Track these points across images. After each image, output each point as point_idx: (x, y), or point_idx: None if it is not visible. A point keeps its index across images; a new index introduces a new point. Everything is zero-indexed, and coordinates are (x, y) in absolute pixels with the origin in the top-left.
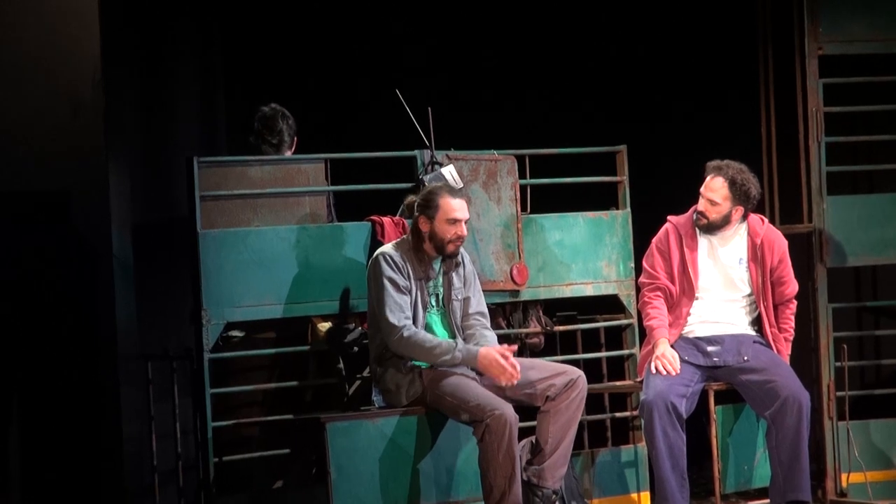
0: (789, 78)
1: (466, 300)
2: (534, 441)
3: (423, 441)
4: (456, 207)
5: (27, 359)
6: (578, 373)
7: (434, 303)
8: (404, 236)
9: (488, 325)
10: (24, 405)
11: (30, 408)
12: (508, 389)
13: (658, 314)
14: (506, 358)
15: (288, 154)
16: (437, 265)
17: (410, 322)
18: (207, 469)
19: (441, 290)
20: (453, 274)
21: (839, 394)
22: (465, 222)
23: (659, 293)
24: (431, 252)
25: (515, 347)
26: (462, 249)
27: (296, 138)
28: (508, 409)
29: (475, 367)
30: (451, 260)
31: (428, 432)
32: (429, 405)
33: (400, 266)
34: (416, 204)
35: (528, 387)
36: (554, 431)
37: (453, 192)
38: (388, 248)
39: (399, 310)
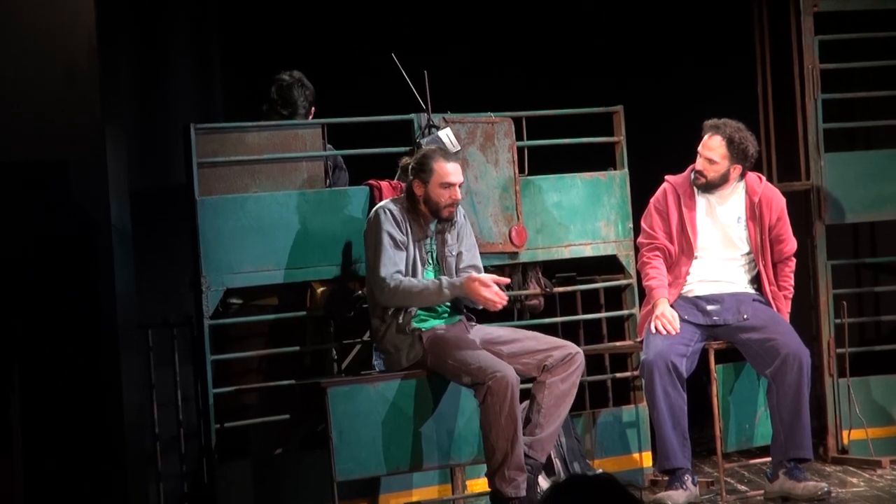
0: (785, 35)
1: (459, 255)
2: (528, 411)
3: (424, 404)
4: (450, 171)
5: (27, 330)
6: (577, 349)
7: (430, 260)
8: (400, 196)
9: None
10: (25, 375)
11: (30, 378)
12: (506, 357)
13: (657, 274)
14: (492, 284)
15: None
16: (432, 225)
17: (399, 275)
18: (209, 436)
19: (435, 247)
20: (447, 232)
21: (839, 351)
22: (460, 186)
23: (658, 253)
24: (427, 215)
25: (507, 280)
26: (459, 206)
27: (313, 108)
28: (510, 371)
29: (465, 297)
30: (441, 221)
31: (429, 395)
32: (429, 368)
33: (399, 221)
34: (409, 167)
35: (526, 356)
36: (548, 404)
37: (447, 155)
38: (387, 203)
39: (392, 265)
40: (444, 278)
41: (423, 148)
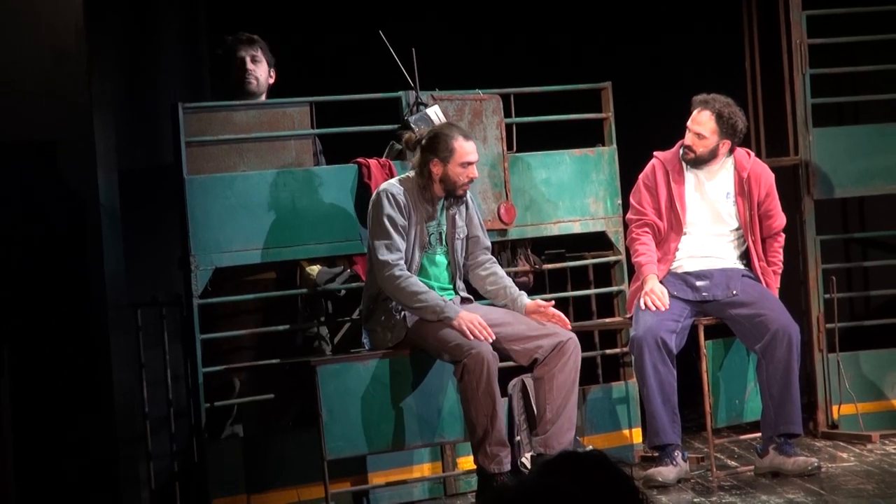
0: (773, 10)
1: (474, 239)
2: (535, 409)
3: (414, 383)
4: (469, 150)
5: (16, 310)
6: (569, 335)
7: (436, 242)
8: (409, 174)
9: (495, 260)
10: (14, 356)
11: (19, 358)
12: (494, 342)
13: (646, 250)
14: (482, 326)
15: (271, 77)
16: (439, 205)
17: (404, 263)
18: (199, 415)
19: (444, 228)
20: (455, 213)
21: (829, 326)
22: (475, 164)
23: (647, 229)
24: (439, 193)
25: (550, 304)
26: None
27: (273, 71)
28: (485, 347)
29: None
30: (454, 199)
31: (419, 374)
32: (414, 348)
33: (402, 205)
34: (423, 145)
35: (515, 342)
36: (551, 399)
37: (465, 133)
38: (393, 184)
39: (395, 248)
40: (451, 305)
41: (436, 126)
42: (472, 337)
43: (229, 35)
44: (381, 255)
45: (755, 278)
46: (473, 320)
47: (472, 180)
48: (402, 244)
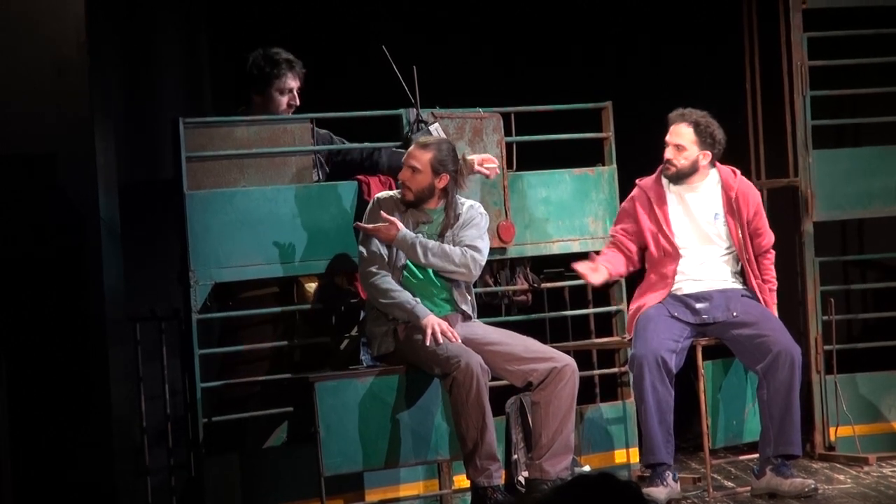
0: (774, 32)
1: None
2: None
3: (412, 399)
4: (408, 153)
5: (15, 323)
6: (566, 361)
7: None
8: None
9: None
10: (13, 369)
11: (18, 371)
12: (490, 360)
13: (605, 252)
14: (451, 332)
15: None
16: (435, 214)
17: (384, 263)
18: (196, 429)
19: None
20: (456, 230)
21: (827, 348)
22: (414, 170)
23: (613, 247)
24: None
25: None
26: (479, 207)
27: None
28: (475, 359)
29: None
30: (451, 213)
31: (417, 390)
32: (407, 362)
33: (386, 209)
34: None
35: (510, 363)
36: (547, 424)
37: (423, 139)
38: (385, 192)
39: (375, 246)
40: (421, 306)
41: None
42: (440, 338)
43: (270, 48)
44: (362, 250)
45: (754, 297)
46: (442, 324)
47: (402, 182)
48: (381, 245)
